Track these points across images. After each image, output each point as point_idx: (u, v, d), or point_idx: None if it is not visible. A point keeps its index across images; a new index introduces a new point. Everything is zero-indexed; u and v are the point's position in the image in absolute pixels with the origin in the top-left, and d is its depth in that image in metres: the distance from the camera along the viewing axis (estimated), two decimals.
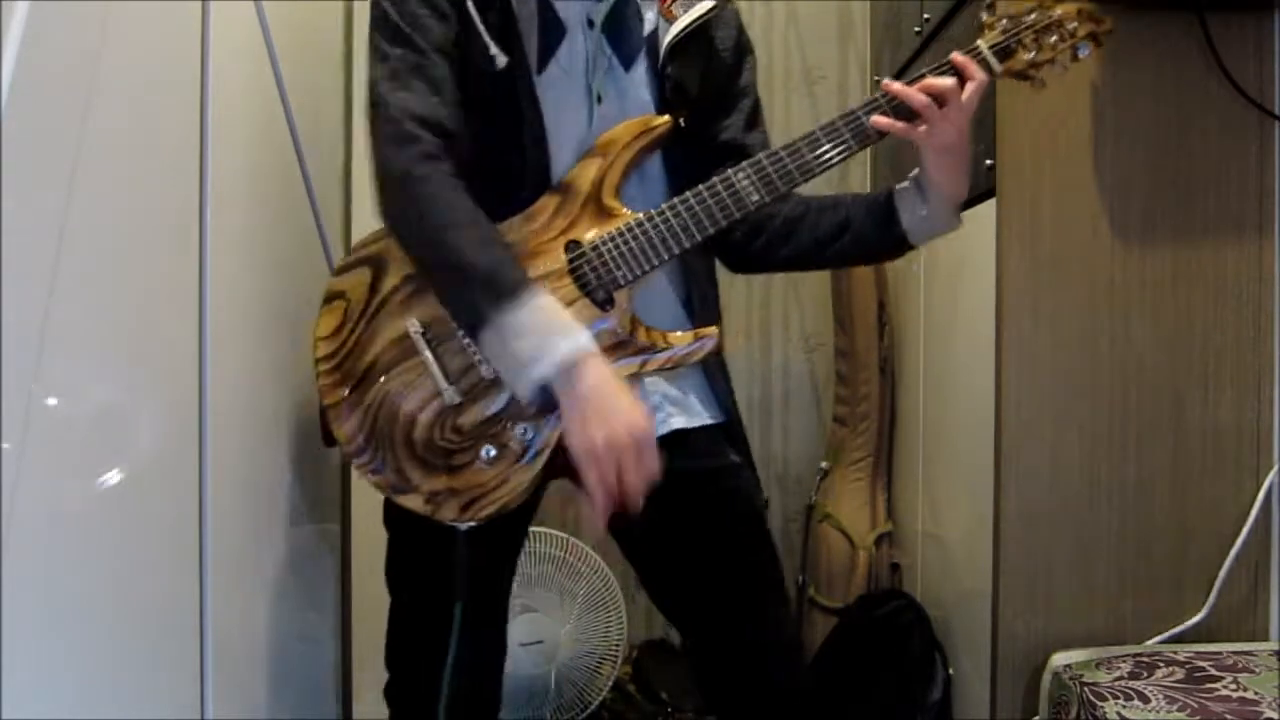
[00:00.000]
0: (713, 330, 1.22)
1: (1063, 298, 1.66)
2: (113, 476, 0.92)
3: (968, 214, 1.81)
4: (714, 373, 1.30)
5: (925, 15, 2.08)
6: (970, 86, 1.18)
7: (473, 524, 1.17)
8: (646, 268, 1.19)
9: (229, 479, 1.22)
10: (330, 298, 1.23)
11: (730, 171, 1.19)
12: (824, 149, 1.19)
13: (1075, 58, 1.21)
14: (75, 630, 0.85)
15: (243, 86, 1.30)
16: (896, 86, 1.18)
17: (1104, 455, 1.66)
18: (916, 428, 2.23)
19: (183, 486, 1.09)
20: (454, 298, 1.15)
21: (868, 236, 1.31)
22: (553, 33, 1.21)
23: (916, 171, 1.27)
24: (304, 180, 1.55)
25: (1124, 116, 1.66)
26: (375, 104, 1.16)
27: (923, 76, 1.19)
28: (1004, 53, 1.20)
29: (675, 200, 1.19)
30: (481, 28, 1.18)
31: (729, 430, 1.31)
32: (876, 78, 2.46)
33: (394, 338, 1.19)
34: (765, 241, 1.34)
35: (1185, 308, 1.66)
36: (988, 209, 1.71)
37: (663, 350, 1.20)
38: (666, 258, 1.19)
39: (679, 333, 1.21)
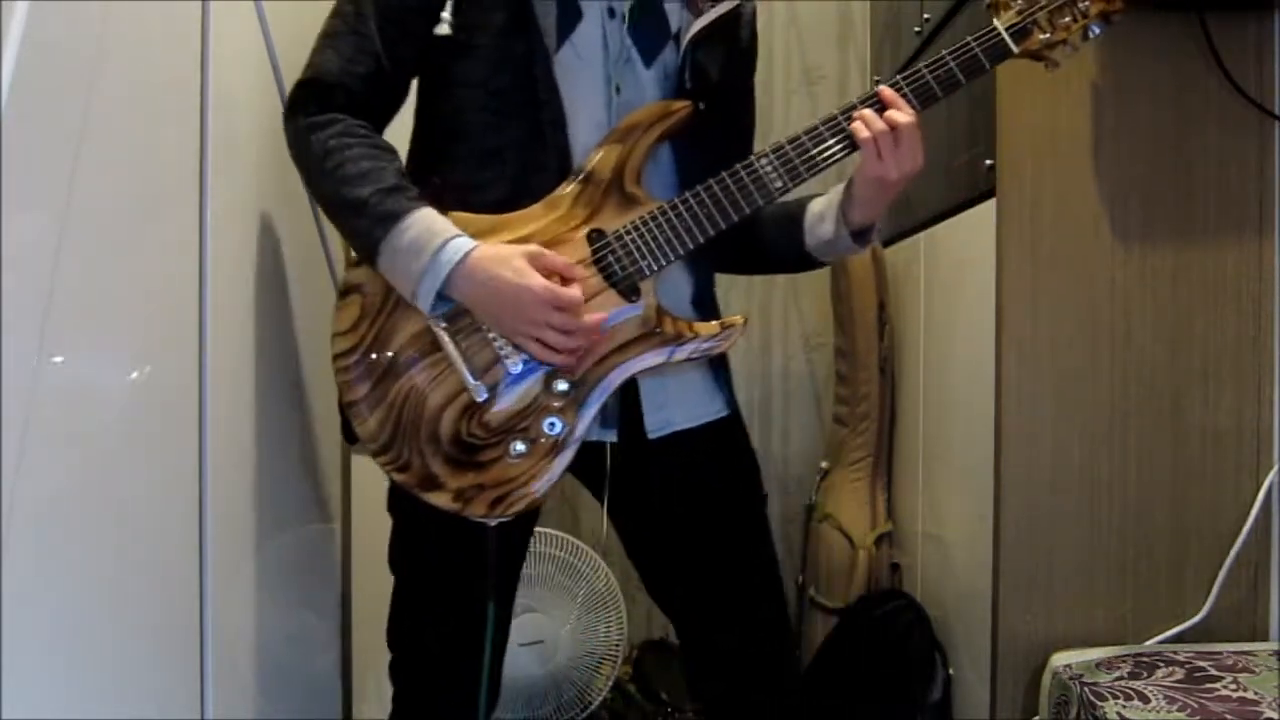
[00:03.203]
0: (739, 320, 1.22)
1: (1063, 298, 1.66)
2: (113, 477, 0.92)
3: (968, 214, 1.83)
4: (717, 364, 1.30)
5: (925, 15, 2.08)
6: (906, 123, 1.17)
7: (502, 520, 1.17)
8: (672, 257, 1.18)
9: (229, 479, 1.22)
10: (346, 290, 1.20)
11: (752, 158, 1.18)
12: (846, 135, 1.18)
13: (1086, 37, 1.21)
14: (75, 630, 0.85)
15: (243, 86, 1.30)
16: (888, 93, 1.17)
17: (1104, 455, 1.66)
18: (916, 428, 2.23)
19: (183, 486, 1.09)
20: (350, 232, 1.18)
21: (778, 252, 1.34)
22: (569, 16, 1.21)
23: (838, 190, 1.26)
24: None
25: (1124, 116, 1.66)
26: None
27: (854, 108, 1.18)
28: (1020, 34, 1.19)
29: (698, 188, 1.18)
30: None
31: (730, 426, 1.31)
32: (876, 78, 2.46)
33: (416, 332, 1.17)
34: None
35: (1185, 308, 1.66)
36: (988, 209, 1.71)
37: (690, 340, 1.19)
38: (692, 246, 1.18)
39: (706, 323, 1.21)
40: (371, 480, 2.01)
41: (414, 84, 1.29)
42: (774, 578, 1.32)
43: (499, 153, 1.19)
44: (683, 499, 1.28)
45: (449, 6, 1.19)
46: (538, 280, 1.12)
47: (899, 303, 2.38)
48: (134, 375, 0.97)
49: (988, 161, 1.68)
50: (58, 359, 0.81)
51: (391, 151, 1.20)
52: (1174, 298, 1.66)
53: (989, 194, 1.70)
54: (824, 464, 2.55)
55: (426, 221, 1.14)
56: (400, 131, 1.31)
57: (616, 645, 2.30)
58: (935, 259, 2.10)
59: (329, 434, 1.77)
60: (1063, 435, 1.67)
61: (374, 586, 1.91)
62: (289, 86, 1.44)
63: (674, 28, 1.26)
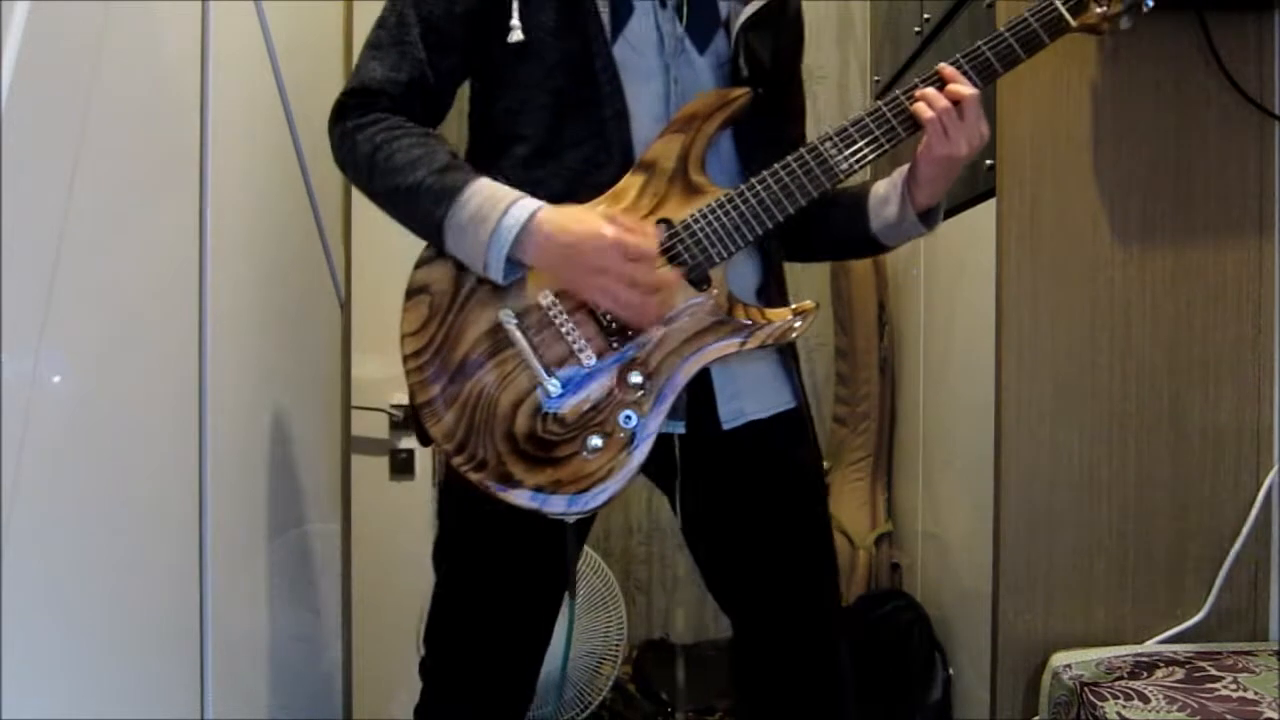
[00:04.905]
0: (810, 305, 1.22)
1: (1063, 298, 1.66)
2: (113, 477, 0.92)
3: (968, 214, 1.83)
4: (786, 354, 1.31)
5: (925, 15, 2.08)
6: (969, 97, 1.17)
7: (581, 516, 1.16)
8: (740, 244, 1.18)
9: (229, 479, 1.22)
10: (412, 292, 1.18)
11: (815, 141, 1.18)
12: (908, 114, 1.18)
13: (1141, 10, 1.21)
14: (75, 630, 0.85)
15: (243, 86, 1.30)
16: (949, 70, 1.18)
17: (1104, 455, 1.66)
18: (916, 428, 2.24)
19: (183, 486, 1.09)
20: (414, 220, 1.17)
21: (843, 237, 1.35)
22: (620, 9, 1.21)
23: (901, 171, 1.26)
24: (304, 179, 1.55)
25: (1124, 116, 1.66)
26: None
27: (915, 87, 1.18)
28: (1077, 7, 1.19)
29: (764, 174, 1.18)
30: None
31: (797, 416, 1.31)
32: (876, 78, 2.46)
33: (486, 329, 1.16)
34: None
35: (1185, 308, 1.66)
36: (988, 209, 1.71)
37: (762, 327, 1.20)
38: (761, 232, 1.18)
39: (777, 309, 1.21)
40: (372, 480, 2.02)
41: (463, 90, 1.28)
42: (835, 572, 1.33)
43: (559, 150, 1.19)
44: (753, 489, 1.28)
45: (515, 12, 1.18)
46: (608, 228, 1.11)
47: (899, 303, 2.38)
48: (134, 375, 0.97)
49: (988, 161, 1.68)
50: (57, 359, 0.81)
51: (440, 139, 1.19)
52: (1174, 298, 1.66)
53: (989, 194, 1.70)
54: (824, 464, 2.55)
55: (487, 190, 1.13)
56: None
57: (616, 645, 2.30)
58: (935, 259, 2.10)
59: (329, 434, 1.77)
60: (1063, 435, 1.67)
61: (374, 586, 1.92)
62: (289, 86, 1.44)
63: (723, 15, 1.27)
